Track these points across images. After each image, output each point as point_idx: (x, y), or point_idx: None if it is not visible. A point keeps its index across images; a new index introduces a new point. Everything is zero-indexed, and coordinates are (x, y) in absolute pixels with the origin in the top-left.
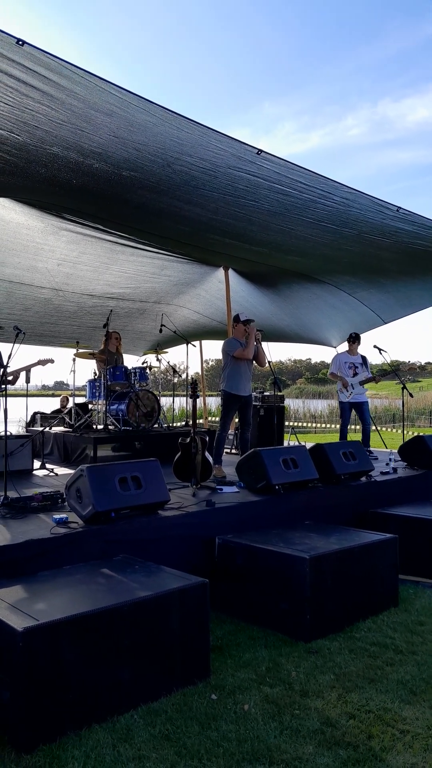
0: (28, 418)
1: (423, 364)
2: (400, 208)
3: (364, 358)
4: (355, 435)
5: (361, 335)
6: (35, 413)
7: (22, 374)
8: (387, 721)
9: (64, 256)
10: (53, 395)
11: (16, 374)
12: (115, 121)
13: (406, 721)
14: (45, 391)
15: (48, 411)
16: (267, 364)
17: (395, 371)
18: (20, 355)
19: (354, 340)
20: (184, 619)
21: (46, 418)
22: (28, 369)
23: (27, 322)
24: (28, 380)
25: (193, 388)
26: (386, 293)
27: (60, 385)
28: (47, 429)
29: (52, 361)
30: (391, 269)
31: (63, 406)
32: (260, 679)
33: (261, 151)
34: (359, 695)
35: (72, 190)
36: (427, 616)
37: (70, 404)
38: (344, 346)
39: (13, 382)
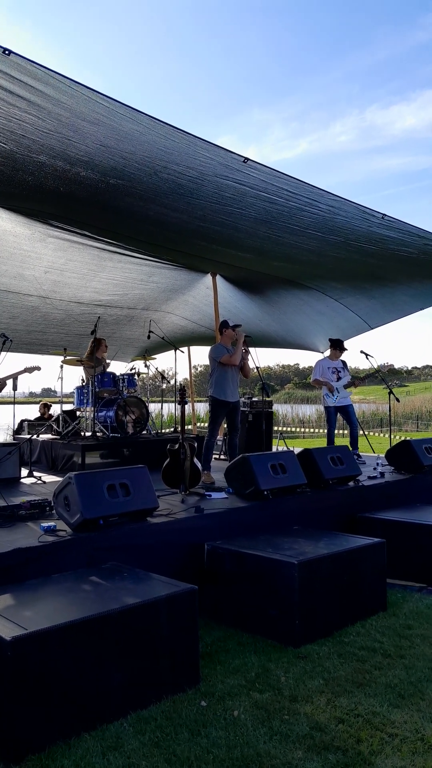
0: (15, 426)
1: (409, 368)
2: (386, 215)
3: (344, 363)
4: (342, 439)
5: (346, 341)
6: (22, 421)
7: (9, 382)
8: (376, 725)
9: (52, 263)
10: (40, 402)
11: (2, 383)
12: (101, 130)
13: (394, 724)
14: (32, 399)
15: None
16: (255, 371)
17: (374, 375)
18: (7, 362)
19: (335, 345)
20: (173, 626)
21: (33, 426)
22: (14, 377)
23: (14, 331)
24: (15, 388)
25: (181, 394)
26: (372, 299)
27: (47, 392)
28: (35, 436)
29: (38, 368)
30: (377, 275)
31: (42, 413)
32: (250, 684)
33: (247, 159)
34: (348, 700)
35: (59, 198)
36: (415, 620)
37: (53, 411)
38: (326, 352)
39: None
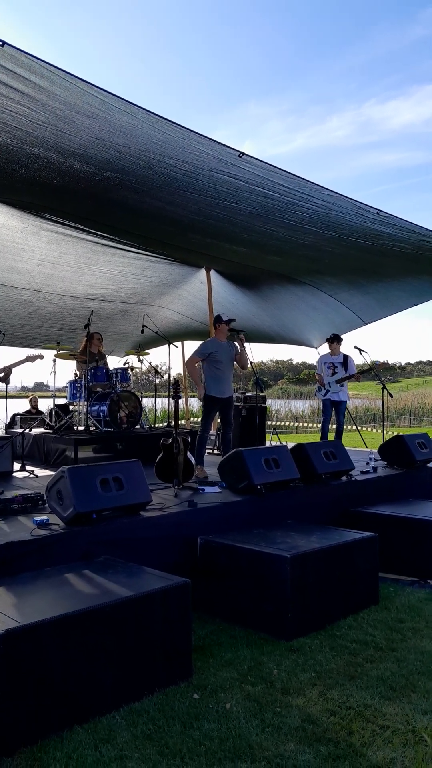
0: (8, 420)
1: (403, 364)
2: (380, 210)
3: (346, 357)
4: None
5: (341, 336)
6: (14, 415)
7: (14, 369)
8: (367, 717)
9: (45, 256)
10: (30, 396)
11: (8, 370)
12: (96, 123)
13: (386, 716)
14: (24, 393)
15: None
16: (249, 366)
17: (369, 370)
18: (0, 356)
19: (333, 340)
20: (166, 620)
21: (25, 420)
22: (18, 365)
23: (7, 324)
24: (7, 382)
25: (175, 389)
26: (366, 294)
27: (40, 386)
28: (27, 430)
29: (41, 356)
30: (371, 271)
31: (33, 406)
32: (242, 678)
33: (242, 153)
34: (340, 692)
35: (53, 190)
36: (406, 613)
37: (42, 405)
38: (326, 347)
39: (4, 380)
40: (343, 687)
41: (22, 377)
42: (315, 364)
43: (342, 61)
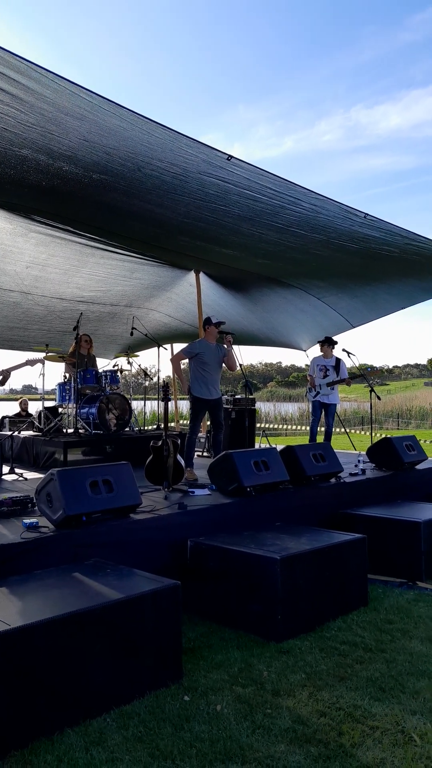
0: None
1: (390, 368)
2: (368, 214)
3: (338, 361)
4: (320, 437)
5: (334, 338)
6: (3, 417)
7: (13, 373)
8: (357, 718)
9: (33, 258)
10: (20, 399)
11: (6, 373)
12: (85, 125)
13: (375, 717)
14: (13, 395)
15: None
16: (238, 368)
17: (362, 375)
18: None
19: (324, 343)
20: (157, 622)
21: (14, 423)
22: (16, 369)
23: None
24: (4, 384)
25: (164, 391)
26: (354, 298)
27: (29, 389)
28: (16, 433)
29: (42, 361)
30: (359, 274)
31: (23, 409)
32: (232, 679)
33: (231, 156)
34: (330, 693)
35: (41, 192)
36: (395, 614)
37: (32, 408)
38: (317, 350)
39: (2, 383)
40: (333, 688)
41: (11, 380)
42: (304, 366)
43: (330, 66)
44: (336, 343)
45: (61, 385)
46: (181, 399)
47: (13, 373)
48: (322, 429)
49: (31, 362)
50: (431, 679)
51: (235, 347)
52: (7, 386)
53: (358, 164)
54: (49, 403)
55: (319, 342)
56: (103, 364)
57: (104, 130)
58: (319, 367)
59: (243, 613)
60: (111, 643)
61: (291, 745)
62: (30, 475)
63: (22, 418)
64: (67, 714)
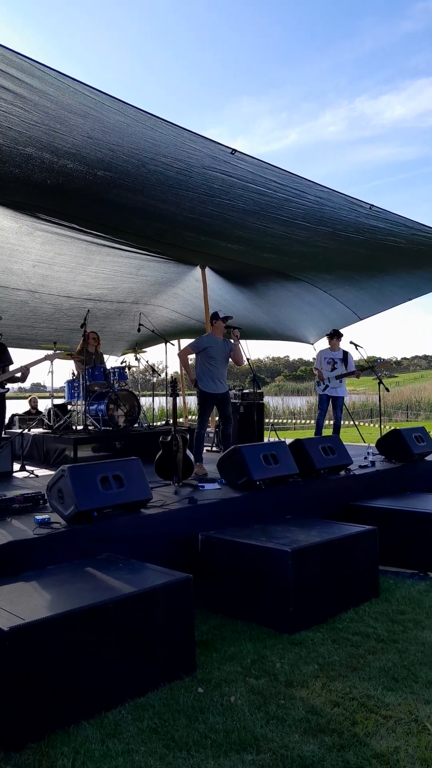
0: (6, 420)
1: (399, 359)
2: (373, 206)
3: (345, 354)
4: (327, 429)
5: (341, 331)
6: (13, 415)
7: (31, 369)
8: (370, 708)
9: (40, 257)
10: (29, 397)
11: (25, 370)
12: (88, 122)
13: (388, 707)
14: (22, 393)
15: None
16: (246, 362)
17: (371, 368)
18: None
19: (332, 336)
20: (169, 615)
21: (24, 421)
22: (35, 365)
23: (3, 326)
24: (24, 381)
25: (172, 387)
26: (361, 290)
27: (37, 387)
28: (26, 431)
29: (61, 354)
30: (365, 266)
31: (33, 407)
32: (245, 671)
33: (235, 150)
34: (343, 684)
35: (46, 190)
36: (407, 605)
37: (42, 406)
38: (325, 342)
39: (23, 380)
40: (345, 678)
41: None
42: (311, 360)
43: (332, 57)
44: (342, 335)
45: (70, 383)
46: (189, 394)
47: (32, 369)
48: (329, 423)
49: (50, 357)
50: None
51: (243, 342)
52: (16, 384)
53: (363, 155)
54: (59, 401)
55: (327, 335)
56: (111, 361)
57: (108, 127)
58: (326, 360)
59: (255, 606)
60: (124, 637)
61: (305, 735)
62: (41, 472)
63: (32, 416)
64: (83, 707)
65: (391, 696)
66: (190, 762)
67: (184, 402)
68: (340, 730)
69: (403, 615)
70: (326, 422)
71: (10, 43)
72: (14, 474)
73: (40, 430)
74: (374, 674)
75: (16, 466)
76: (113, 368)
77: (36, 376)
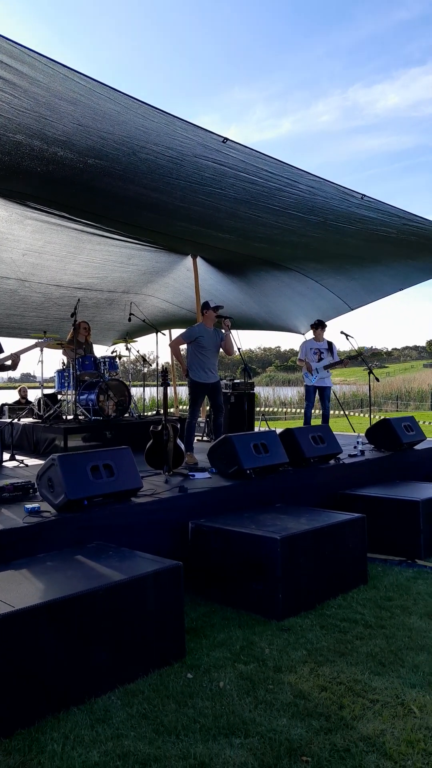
0: None
1: (389, 350)
2: (365, 195)
3: (330, 344)
4: (315, 420)
5: (326, 322)
6: (3, 405)
7: (23, 356)
8: (357, 692)
9: (30, 245)
10: (19, 387)
11: (16, 357)
12: (79, 109)
13: (375, 691)
14: (11, 383)
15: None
16: (237, 352)
17: (360, 356)
18: None
19: (317, 326)
20: (159, 602)
21: (14, 410)
22: (25, 351)
23: None
24: (14, 369)
25: (163, 377)
26: (352, 280)
27: (27, 377)
28: (16, 420)
29: (51, 342)
30: (357, 256)
31: (22, 396)
32: (234, 657)
33: (226, 139)
34: (330, 668)
35: (36, 178)
36: (394, 592)
37: (32, 395)
38: (311, 333)
39: (13, 368)
40: (333, 663)
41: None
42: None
43: (325, 44)
44: (327, 326)
45: (60, 372)
46: (180, 384)
47: (22, 356)
48: (317, 413)
49: (40, 344)
50: (430, 654)
51: (234, 332)
52: (5, 374)
53: (357, 145)
54: (49, 391)
55: (311, 325)
56: (101, 351)
57: (99, 115)
58: (312, 350)
59: (244, 593)
60: (114, 623)
61: (293, 718)
62: (31, 461)
63: (21, 406)
64: (73, 693)
65: (378, 680)
66: (179, 746)
67: (175, 392)
68: (327, 713)
69: (390, 601)
70: (315, 412)
71: (11, 32)
72: (4, 463)
73: (30, 419)
74: (361, 659)
75: (6, 456)
76: (103, 358)
77: (26, 365)
